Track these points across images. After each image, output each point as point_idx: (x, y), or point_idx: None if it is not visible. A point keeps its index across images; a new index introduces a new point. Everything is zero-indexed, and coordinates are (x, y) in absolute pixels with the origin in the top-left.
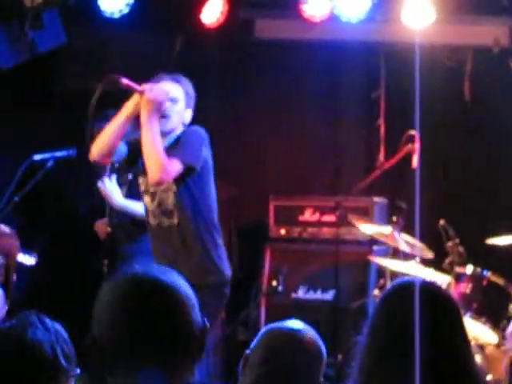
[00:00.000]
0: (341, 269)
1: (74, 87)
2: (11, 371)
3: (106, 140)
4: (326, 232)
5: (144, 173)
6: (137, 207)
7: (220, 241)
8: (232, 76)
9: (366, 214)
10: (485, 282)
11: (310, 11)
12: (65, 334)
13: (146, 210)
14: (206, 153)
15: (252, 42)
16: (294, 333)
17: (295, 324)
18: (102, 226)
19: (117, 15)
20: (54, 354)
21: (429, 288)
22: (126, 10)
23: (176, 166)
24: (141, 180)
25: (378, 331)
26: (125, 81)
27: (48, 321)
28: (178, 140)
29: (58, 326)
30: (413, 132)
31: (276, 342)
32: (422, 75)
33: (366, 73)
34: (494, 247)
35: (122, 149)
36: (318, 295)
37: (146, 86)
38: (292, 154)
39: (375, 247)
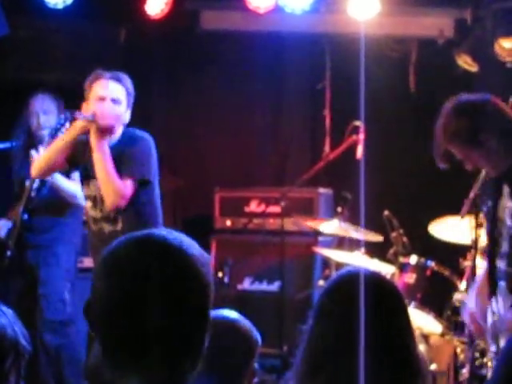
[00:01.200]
0: (286, 260)
1: (16, 78)
2: None
3: (46, 161)
4: (272, 223)
5: (94, 178)
6: (66, 183)
7: None
8: (177, 68)
9: (310, 204)
10: (429, 272)
11: (255, 2)
12: (13, 314)
13: (86, 213)
14: (154, 160)
15: (197, 34)
16: (230, 325)
17: (230, 314)
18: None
19: (60, 6)
20: (15, 335)
21: (373, 277)
22: (69, 1)
23: (130, 187)
24: (88, 184)
25: (323, 320)
26: (77, 116)
27: (1, 305)
28: (123, 148)
29: (6, 308)
30: (358, 123)
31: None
32: (366, 66)
33: (311, 64)
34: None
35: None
36: (264, 286)
37: (95, 112)
38: (237, 146)
39: (320, 238)
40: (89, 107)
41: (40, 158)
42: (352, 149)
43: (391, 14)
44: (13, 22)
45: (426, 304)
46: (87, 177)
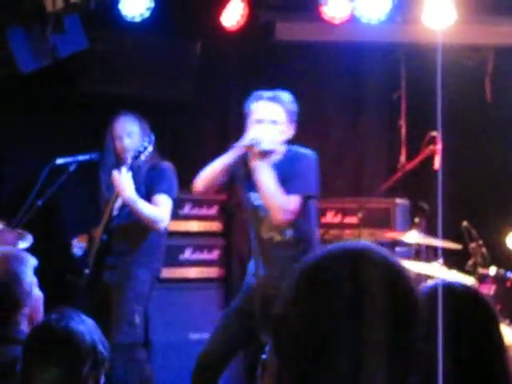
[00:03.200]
0: None
1: (95, 92)
2: (59, 358)
3: (209, 176)
4: (348, 234)
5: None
6: (146, 206)
7: None
8: (253, 79)
9: (387, 215)
10: (509, 284)
11: (331, 13)
12: (93, 323)
13: (260, 222)
14: (316, 176)
15: (272, 45)
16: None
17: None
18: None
19: (137, 19)
20: (94, 341)
21: (467, 291)
22: (146, 15)
23: (295, 203)
24: (254, 195)
25: None
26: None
27: (81, 314)
28: (287, 165)
29: (85, 317)
30: (434, 133)
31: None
32: (443, 76)
33: (387, 74)
34: None
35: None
36: None
37: (255, 137)
38: None
39: (397, 249)
40: (249, 130)
41: (202, 174)
42: (428, 159)
43: (467, 22)
44: (91, 35)
45: (505, 316)
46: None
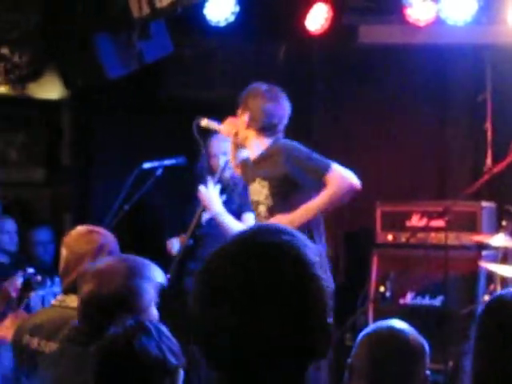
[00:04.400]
0: (449, 275)
1: (181, 96)
2: (125, 379)
3: None
4: (434, 237)
5: None
6: (232, 223)
7: None
8: (337, 83)
9: (473, 218)
10: None
11: (415, 15)
12: (165, 330)
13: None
14: None
15: (356, 48)
16: (397, 335)
17: (396, 324)
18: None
19: (222, 24)
20: (162, 354)
21: None
22: (231, 19)
23: (337, 176)
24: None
25: (482, 342)
26: None
27: (147, 323)
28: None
29: (159, 325)
30: None
31: (381, 349)
32: None
33: (472, 76)
34: None
35: None
36: (427, 301)
37: None
38: (398, 159)
39: (484, 252)
40: None
41: None
42: None
43: None
44: (177, 40)
45: None
46: None
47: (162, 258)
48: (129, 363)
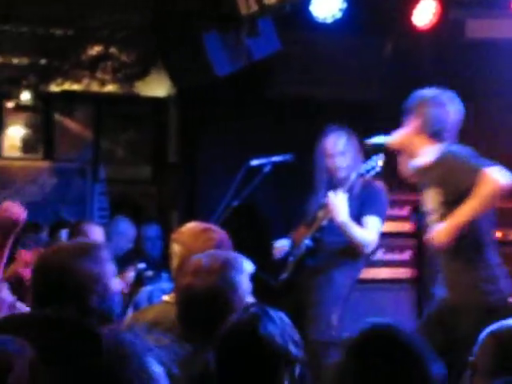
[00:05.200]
0: None
1: (289, 93)
2: (249, 366)
3: None
4: None
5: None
6: (357, 230)
7: None
8: (445, 78)
9: None
10: None
11: None
12: (288, 321)
13: None
14: None
15: (463, 43)
16: None
17: None
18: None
19: (329, 20)
20: (285, 343)
21: None
22: (338, 15)
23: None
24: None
25: None
26: None
27: (272, 312)
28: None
29: (281, 315)
30: None
31: (507, 345)
32: None
33: None
34: None
35: None
36: None
37: None
38: (499, 153)
39: None
40: None
41: None
42: None
43: None
44: (284, 37)
45: None
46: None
47: (269, 256)
48: (252, 349)
